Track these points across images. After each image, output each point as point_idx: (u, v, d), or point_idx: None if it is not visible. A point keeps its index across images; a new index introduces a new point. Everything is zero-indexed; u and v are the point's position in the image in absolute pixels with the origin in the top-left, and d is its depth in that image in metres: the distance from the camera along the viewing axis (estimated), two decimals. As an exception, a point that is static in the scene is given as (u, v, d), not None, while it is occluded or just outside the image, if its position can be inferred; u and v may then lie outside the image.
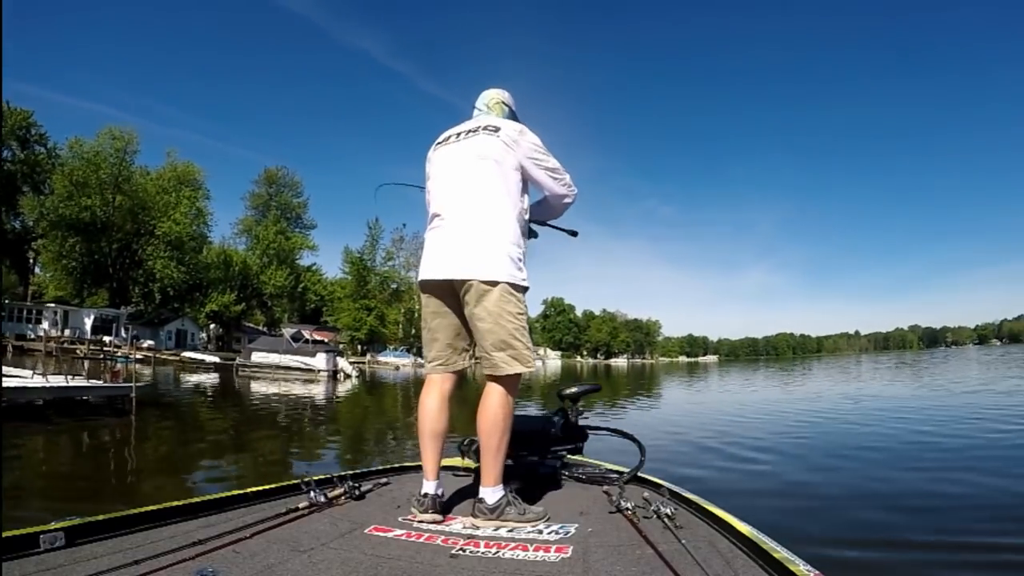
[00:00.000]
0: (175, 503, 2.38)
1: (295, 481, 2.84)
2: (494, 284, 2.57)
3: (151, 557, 1.82)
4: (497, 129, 2.77)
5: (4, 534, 1.82)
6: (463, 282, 2.59)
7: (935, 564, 4.17)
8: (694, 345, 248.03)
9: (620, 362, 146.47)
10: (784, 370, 43.50)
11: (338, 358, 38.36)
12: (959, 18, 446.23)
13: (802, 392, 21.58)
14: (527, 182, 2.82)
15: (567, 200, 3.00)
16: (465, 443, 3.60)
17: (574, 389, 3.64)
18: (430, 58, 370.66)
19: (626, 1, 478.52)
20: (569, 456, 3.67)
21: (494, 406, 2.57)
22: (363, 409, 18.31)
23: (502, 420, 2.57)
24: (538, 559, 1.95)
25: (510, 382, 2.61)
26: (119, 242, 54.64)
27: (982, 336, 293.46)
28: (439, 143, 2.90)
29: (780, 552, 1.79)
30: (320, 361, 36.29)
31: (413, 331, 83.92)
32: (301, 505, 2.54)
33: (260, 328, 64.31)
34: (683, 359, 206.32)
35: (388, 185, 4.04)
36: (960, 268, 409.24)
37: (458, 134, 2.86)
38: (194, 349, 51.33)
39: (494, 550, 2.05)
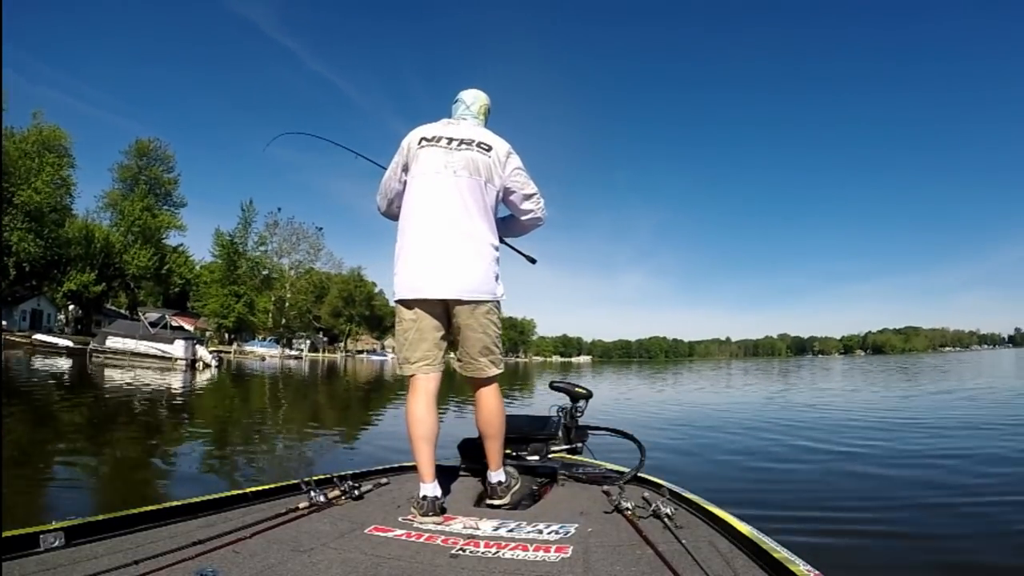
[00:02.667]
0: (175, 503, 2.45)
1: (295, 481, 2.94)
2: (487, 303, 2.92)
3: (151, 557, 1.87)
4: (490, 148, 2.98)
5: (4, 534, 1.88)
6: (453, 300, 2.86)
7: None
8: (568, 345, 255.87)
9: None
10: (654, 374, 45.23)
11: (198, 346, 38.25)
12: (835, 36, 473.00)
13: (662, 396, 21.48)
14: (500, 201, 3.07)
15: (538, 224, 3.31)
16: (462, 444, 3.69)
17: (576, 389, 4.08)
18: (320, 36, 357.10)
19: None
20: (569, 456, 3.88)
21: (494, 403, 3.00)
22: (220, 403, 17.41)
23: (501, 414, 3.01)
24: (538, 559, 2.00)
25: (496, 381, 3.03)
26: (-26, 210, 52.66)
27: (847, 346, 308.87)
28: (427, 140, 2.99)
29: (780, 552, 1.84)
30: (178, 349, 35.96)
31: (283, 320, 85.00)
32: (301, 505, 2.62)
33: (123, 311, 63.35)
34: (557, 359, 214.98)
35: (289, 135, 4.53)
36: (829, 282, 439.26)
37: (449, 140, 2.98)
38: (50, 331, 50.98)
39: (494, 550, 2.10)
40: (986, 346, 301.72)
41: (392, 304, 3.07)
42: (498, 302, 3.00)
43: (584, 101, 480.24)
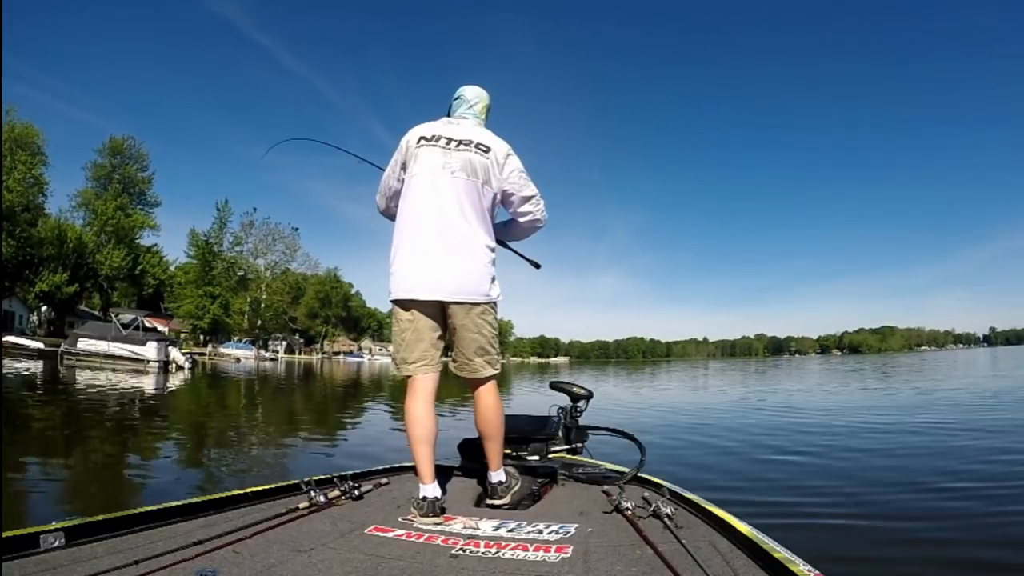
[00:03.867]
0: (175, 503, 2.46)
1: (295, 481, 2.94)
2: (482, 304, 2.92)
3: (151, 557, 1.88)
4: (488, 149, 2.96)
5: (4, 534, 1.89)
6: (448, 302, 2.87)
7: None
8: (545, 346, 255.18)
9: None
10: (631, 375, 45.10)
11: (171, 348, 37.54)
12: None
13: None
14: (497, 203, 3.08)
15: (538, 226, 3.28)
16: (461, 444, 3.72)
17: (574, 389, 4.11)
18: (297, 35, 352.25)
19: None
20: (569, 456, 3.89)
21: (492, 403, 3.00)
22: (192, 406, 16.93)
23: (500, 413, 3.00)
24: (538, 559, 2.01)
25: (494, 382, 3.03)
26: (-56, 211, 51.45)
27: (824, 346, 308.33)
28: (425, 139, 2.99)
29: (780, 552, 1.85)
30: (151, 350, 35.20)
31: (259, 322, 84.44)
32: (301, 505, 2.63)
33: (96, 313, 61.75)
34: (534, 360, 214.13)
35: (291, 141, 4.33)
36: (805, 282, 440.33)
37: (448, 140, 2.97)
38: (22, 333, 49.71)
39: (494, 550, 2.11)
40: (961, 345, 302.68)
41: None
42: (494, 303, 3.00)
43: (557, 100, 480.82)
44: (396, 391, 21.09)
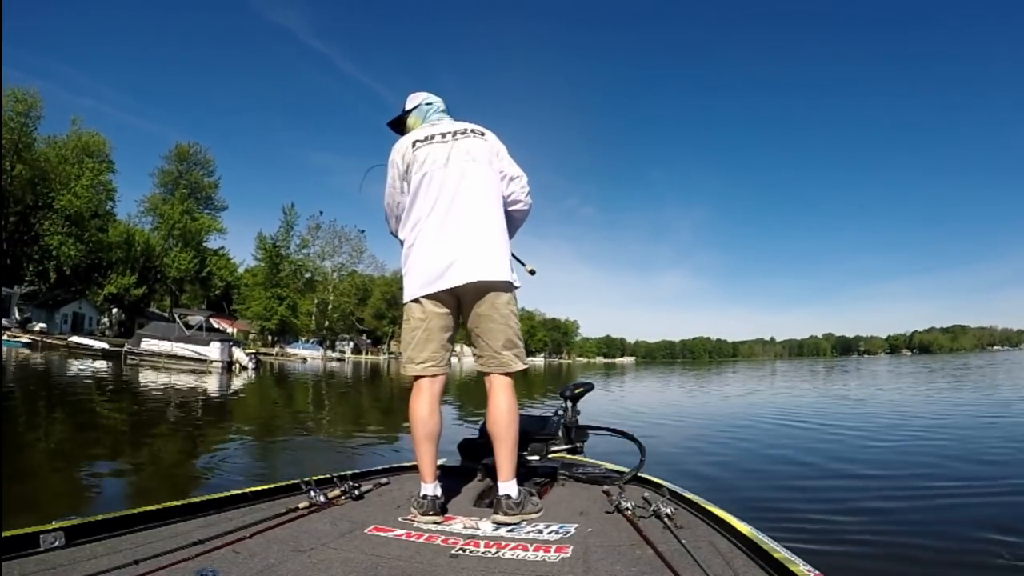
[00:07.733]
0: (175, 503, 2.45)
1: (295, 481, 2.94)
2: (505, 287, 2.80)
3: (151, 557, 1.88)
4: (484, 133, 2.93)
5: (4, 534, 1.87)
6: (472, 285, 2.72)
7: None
8: (611, 346, 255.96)
9: (537, 361, 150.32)
10: (696, 378, 39.93)
11: (234, 348, 37.02)
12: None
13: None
14: None
15: (524, 210, 3.10)
16: (463, 444, 3.69)
17: (575, 389, 4.03)
18: (352, 38, 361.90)
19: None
20: (569, 456, 3.83)
21: (504, 401, 2.77)
22: (251, 406, 16.34)
23: (512, 412, 2.78)
24: (538, 559, 2.00)
25: (512, 380, 2.85)
26: (16, 215, 52.62)
27: (893, 346, 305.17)
28: (420, 141, 2.90)
29: (780, 552, 1.84)
30: (214, 351, 34.75)
31: (326, 323, 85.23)
32: (301, 505, 2.62)
33: (166, 315, 62.05)
34: (600, 360, 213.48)
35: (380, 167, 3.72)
36: (873, 280, 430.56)
37: (443, 134, 2.90)
38: (91, 335, 50.02)
39: (494, 550, 2.10)
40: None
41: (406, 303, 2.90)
42: (515, 294, 2.88)
43: (619, 101, 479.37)
44: (458, 390, 21.68)
